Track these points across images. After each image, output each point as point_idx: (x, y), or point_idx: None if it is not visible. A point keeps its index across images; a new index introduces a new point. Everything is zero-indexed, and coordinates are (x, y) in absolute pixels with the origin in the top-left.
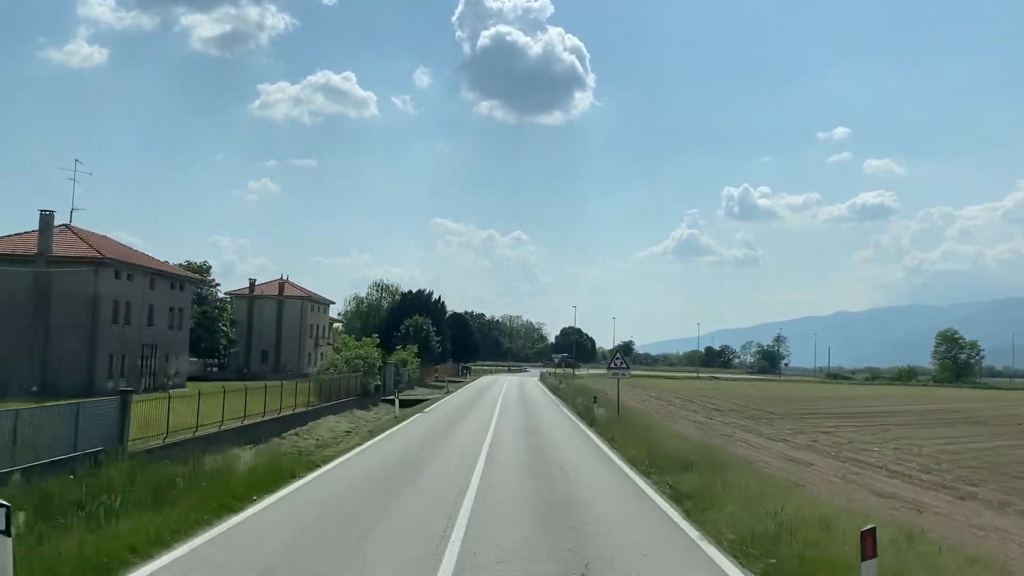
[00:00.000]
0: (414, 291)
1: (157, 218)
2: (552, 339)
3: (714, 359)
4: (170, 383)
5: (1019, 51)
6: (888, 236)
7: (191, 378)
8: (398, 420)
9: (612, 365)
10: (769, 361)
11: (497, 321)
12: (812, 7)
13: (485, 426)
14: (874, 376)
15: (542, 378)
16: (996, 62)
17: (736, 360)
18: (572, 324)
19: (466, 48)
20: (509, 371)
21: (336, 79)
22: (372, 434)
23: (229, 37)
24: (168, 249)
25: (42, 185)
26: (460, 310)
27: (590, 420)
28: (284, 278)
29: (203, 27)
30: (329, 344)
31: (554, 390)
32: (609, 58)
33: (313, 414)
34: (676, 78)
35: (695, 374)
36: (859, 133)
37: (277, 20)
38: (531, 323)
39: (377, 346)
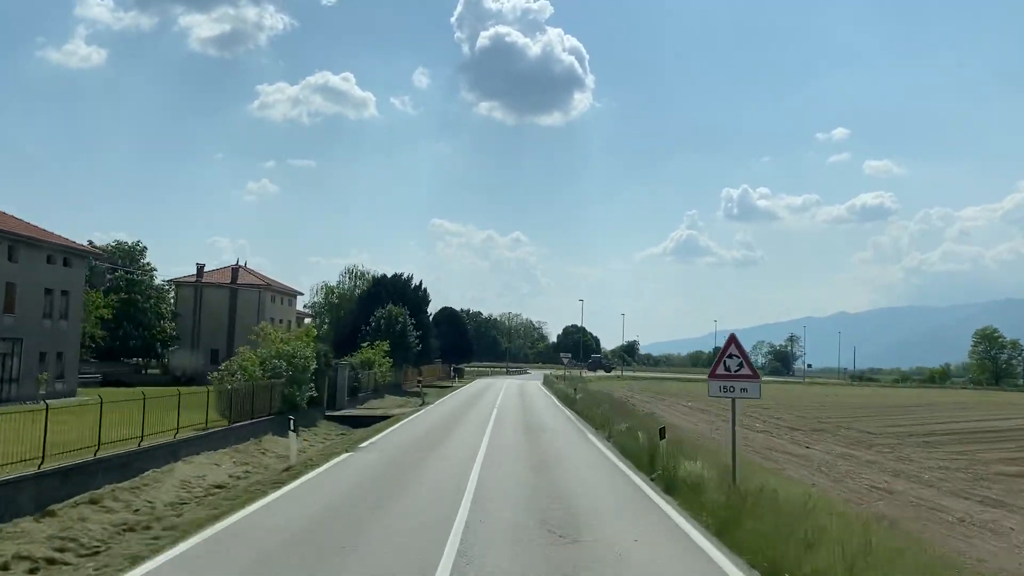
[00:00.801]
0: (389, 275)
1: (155, 219)
2: (554, 338)
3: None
4: (43, 391)
5: (1018, 53)
6: (887, 237)
7: (113, 383)
8: (292, 476)
9: (722, 370)
10: (781, 362)
11: (495, 319)
12: (811, 8)
13: (456, 495)
14: (904, 378)
15: (547, 382)
16: (995, 63)
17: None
18: (578, 320)
19: (465, 49)
20: (508, 373)
21: (335, 79)
22: (183, 531)
23: (228, 37)
24: (166, 250)
25: (41, 186)
26: (457, 309)
27: (666, 482)
28: (240, 263)
29: (201, 27)
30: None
31: (568, 401)
32: (608, 59)
33: (183, 447)
34: (675, 79)
35: None
36: (858, 134)
37: (276, 20)
38: (530, 322)
39: (316, 339)
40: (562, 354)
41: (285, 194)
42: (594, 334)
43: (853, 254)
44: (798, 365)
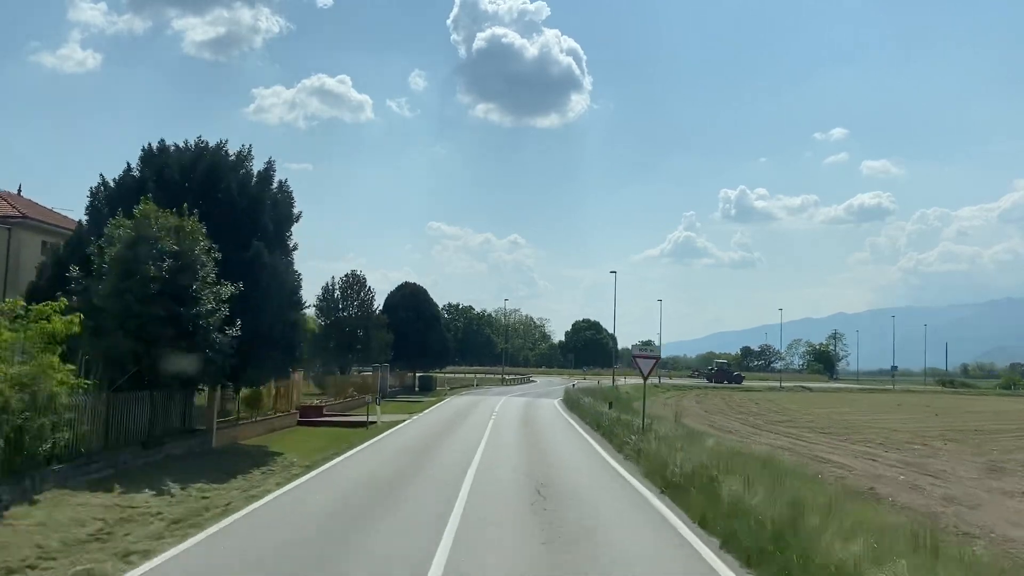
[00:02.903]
0: (181, 145)
1: None
2: (561, 336)
3: (750, 360)
4: None
5: (1016, 53)
6: (885, 237)
7: None
8: None
9: None
10: (823, 363)
11: (489, 315)
12: (809, 9)
13: None
14: (1010, 383)
15: (571, 404)
16: (993, 64)
17: (780, 362)
18: (581, 317)
19: (462, 51)
20: (504, 382)
21: (331, 82)
22: None
23: (223, 40)
24: None
25: (38, 189)
26: (440, 302)
27: None
28: None
29: (196, 30)
30: None
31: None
32: (606, 60)
33: None
34: (673, 80)
35: (778, 384)
36: (856, 134)
37: (271, 23)
38: (531, 319)
39: None
40: (635, 351)
41: None
42: (607, 331)
43: (851, 254)
44: (842, 366)
